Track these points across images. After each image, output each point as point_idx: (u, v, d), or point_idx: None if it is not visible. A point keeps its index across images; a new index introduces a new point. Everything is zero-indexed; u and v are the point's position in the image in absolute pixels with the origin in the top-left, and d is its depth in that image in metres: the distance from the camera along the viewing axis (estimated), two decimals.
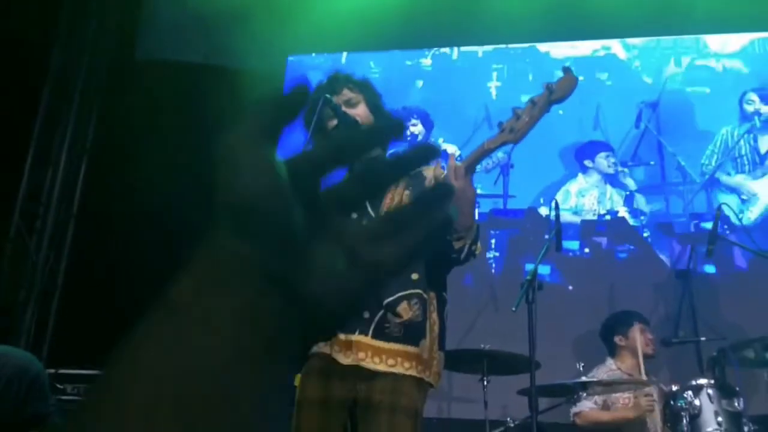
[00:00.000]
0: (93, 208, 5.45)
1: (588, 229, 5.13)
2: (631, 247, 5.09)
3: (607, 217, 5.17)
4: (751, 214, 4.94)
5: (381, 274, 0.41)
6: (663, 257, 5.01)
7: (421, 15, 5.58)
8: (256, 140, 0.40)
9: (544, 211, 5.19)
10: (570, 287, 4.95)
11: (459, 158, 5.46)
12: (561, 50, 5.69)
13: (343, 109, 2.26)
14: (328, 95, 2.25)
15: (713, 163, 5.14)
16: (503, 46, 5.78)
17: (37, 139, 5.46)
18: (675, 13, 5.31)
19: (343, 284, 0.41)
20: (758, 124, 5.19)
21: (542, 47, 5.69)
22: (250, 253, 0.38)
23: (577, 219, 5.15)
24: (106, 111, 5.74)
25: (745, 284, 4.75)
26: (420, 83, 5.77)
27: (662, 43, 5.57)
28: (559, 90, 1.96)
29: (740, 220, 4.67)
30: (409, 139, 5.30)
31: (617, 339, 3.96)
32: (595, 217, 5.15)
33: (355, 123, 2.24)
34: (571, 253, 4.99)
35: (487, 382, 3.67)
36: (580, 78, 2.08)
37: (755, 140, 5.15)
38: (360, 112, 2.30)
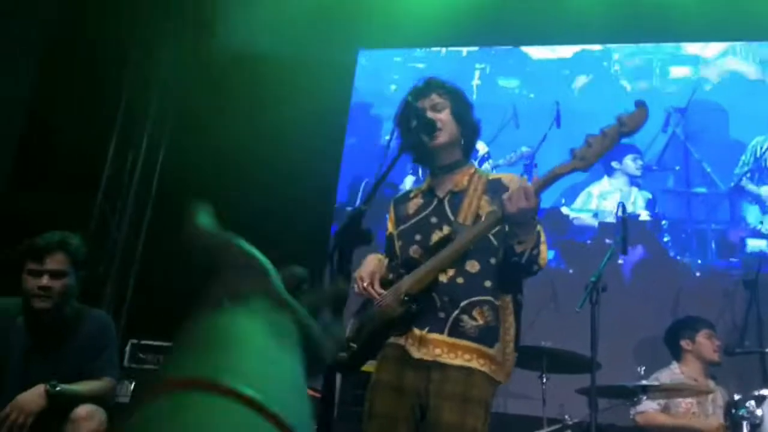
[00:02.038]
0: (170, 189, 5.71)
1: (605, 232, 5.17)
2: (647, 252, 5.12)
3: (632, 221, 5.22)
4: None
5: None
6: (684, 262, 5.05)
7: (486, 12, 5.64)
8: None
9: (565, 211, 5.30)
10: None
11: (488, 155, 5.64)
12: (542, 52, 5.84)
13: (428, 112, 2.37)
14: (410, 98, 2.37)
15: (744, 174, 5.15)
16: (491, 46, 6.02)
17: (121, 123, 5.75)
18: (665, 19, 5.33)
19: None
20: None
21: (525, 48, 5.87)
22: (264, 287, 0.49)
23: (595, 222, 5.21)
24: (185, 97, 5.98)
25: None
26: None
27: (647, 48, 5.64)
28: (630, 123, 2.05)
29: (760, 229, 4.77)
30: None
31: (684, 343, 3.96)
32: (614, 220, 5.19)
33: (432, 125, 2.36)
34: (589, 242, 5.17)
35: (546, 379, 3.73)
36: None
37: None
38: (443, 117, 2.41)
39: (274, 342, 0.44)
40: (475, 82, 5.87)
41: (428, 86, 2.45)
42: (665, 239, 5.14)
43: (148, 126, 5.93)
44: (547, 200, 5.24)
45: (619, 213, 3.85)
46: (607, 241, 5.12)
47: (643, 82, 5.54)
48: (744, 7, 5.19)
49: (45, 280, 2.81)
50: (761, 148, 5.16)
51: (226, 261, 0.50)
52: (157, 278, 5.20)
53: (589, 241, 5.20)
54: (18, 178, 5.20)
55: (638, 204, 5.24)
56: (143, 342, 3.93)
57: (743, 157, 5.18)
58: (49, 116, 5.29)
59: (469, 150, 2.53)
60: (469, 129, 2.49)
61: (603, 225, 5.23)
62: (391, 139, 2.42)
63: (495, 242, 2.29)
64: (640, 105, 2.07)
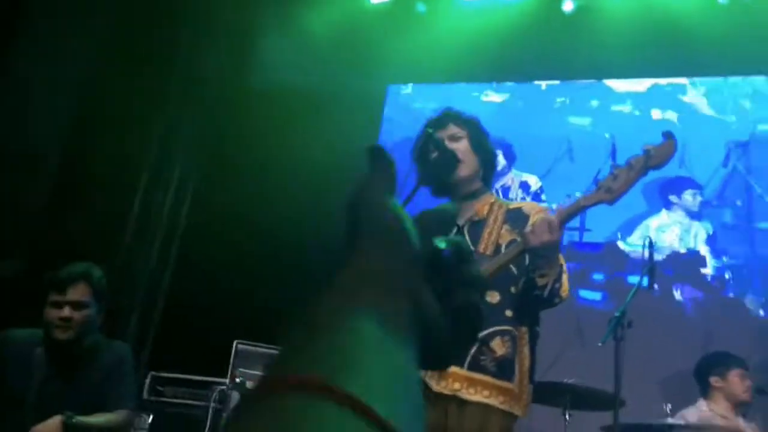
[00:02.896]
0: (198, 226, 5.78)
1: (662, 266, 4.98)
2: (705, 291, 4.98)
3: (687, 256, 5.07)
4: None
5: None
6: (745, 300, 4.86)
7: (519, 47, 5.66)
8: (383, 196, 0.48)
9: (622, 245, 5.19)
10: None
11: (540, 189, 5.51)
12: (624, 85, 5.69)
13: (447, 142, 2.37)
14: (430, 129, 2.37)
15: None
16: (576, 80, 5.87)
17: (152, 160, 5.87)
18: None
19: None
20: None
21: (607, 81, 5.74)
22: (386, 270, 0.43)
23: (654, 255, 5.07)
24: (216, 135, 6.09)
25: None
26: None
27: (730, 81, 5.46)
28: (657, 156, 2.01)
29: None
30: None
31: (713, 380, 3.83)
32: (669, 253, 5.05)
33: (453, 156, 2.35)
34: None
35: (569, 416, 3.65)
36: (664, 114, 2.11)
37: None
38: (462, 146, 2.41)
39: (389, 335, 0.39)
40: (554, 115, 5.79)
41: (445, 117, 2.46)
42: (726, 276, 4.98)
43: (179, 158, 6.04)
44: (602, 235, 5.21)
45: (646, 246, 3.80)
46: (666, 275, 4.98)
47: (713, 112, 5.39)
48: None
49: (66, 312, 2.85)
50: None
51: (372, 229, 0.45)
52: (183, 312, 5.25)
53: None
54: (51, 207, 5.33)
55: (699, 238, 5.12)
56: (162, 374, 3.95)
57: None
58: (82, 149, 5.44)
59: (488, 179, 2.52)
60: (487, 158, 2.48)
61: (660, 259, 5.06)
62: (409, 171, 2.42)
63: (515, 271, 2.26)
64: (668, 136, 2.04)
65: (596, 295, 5.14)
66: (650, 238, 3.82)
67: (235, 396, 3.32)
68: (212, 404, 3.52)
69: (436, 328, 0.45)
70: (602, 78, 5.73)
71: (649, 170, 2.04)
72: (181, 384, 3.93)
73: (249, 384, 3.37)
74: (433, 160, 2.36)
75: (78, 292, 2.89)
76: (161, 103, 5.91)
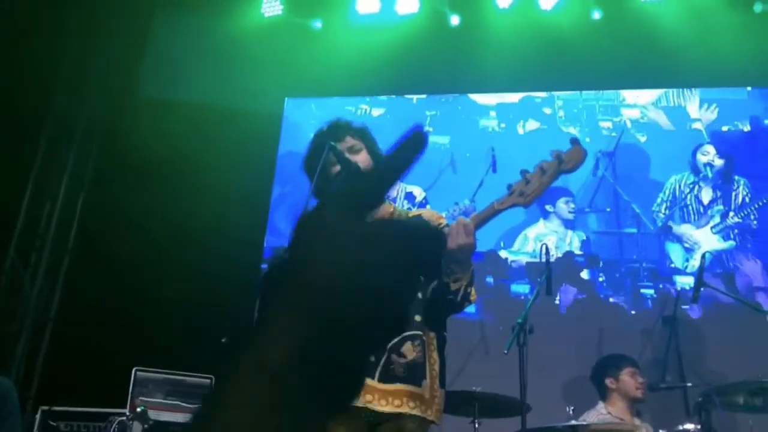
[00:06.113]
0: (89, 244, 5.47)
1: (537, 272, 5.23)
2: (581, 292, 5.25)
3: (566, 260, 5.34)
4: (695, 262, 5.05)
5: None
6: (618, 303, 5.18)
7: (413, 62, 5.76)
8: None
9: (503, 254, 5.41)
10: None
11: (425, 200, 5.66)
12: (487, 98, 5.95)
13: (347, 155, 2.33)
14: (332, 142, 2.31)
15: (663, 212, 5.35)
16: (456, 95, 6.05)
17: (37, 173, 5.51)
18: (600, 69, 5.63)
19: None
20: (710, 174, 5.38)
21: (472, 96, 5.99)
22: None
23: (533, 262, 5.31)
24: (106, 148, 5.80)
25: (727, 330, 4.83)
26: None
27: (584, 96, 5.85)
28: (569, 161, 2.04)
29: (685, 267, 5.02)
30: None
31: (608, 382, 4.00)
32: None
33: (357, 169, 2.31)
34: (523, 297, 5.17)
35: (478, 424, 3.70)
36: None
37: (699, 191, 5.35)
38: (362, 158, 2.36)
39: None
40: (427, 128, 5.91)
41: (338, 129, 2.40)
42: (600, 279, 5.26)
43: (66, 175, 5.71)
44: (486, 243, 5.32)
45: (543, 255, 3.92)
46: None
47: (578, 127, 5.70)
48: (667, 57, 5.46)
49: None
50: (680, 186, 5.38)
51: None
52: (74, 338, 4.95)
53: (522, 297, 5.20)
54: None
55: (574, 245, 5.36)
56: (54, 408, 3.70)
57: (661, 195, 5.40)
58: None
59: None
60: None
61: (535, 266, 5.26)
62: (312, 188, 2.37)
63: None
64: (575, 143, 2.07)
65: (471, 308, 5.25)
66: (547, 246, 3.95)
67: (136, 427, 3.15)
68: None
69: None
70: (478, 91, 5.94)
71: (561, 174, 2.07)
72: (76, 417, 3.69)
73: (150, 413, 3.21)
74: (336, 175, 2.31)
75: None
76: (45, 112, 5.57)
